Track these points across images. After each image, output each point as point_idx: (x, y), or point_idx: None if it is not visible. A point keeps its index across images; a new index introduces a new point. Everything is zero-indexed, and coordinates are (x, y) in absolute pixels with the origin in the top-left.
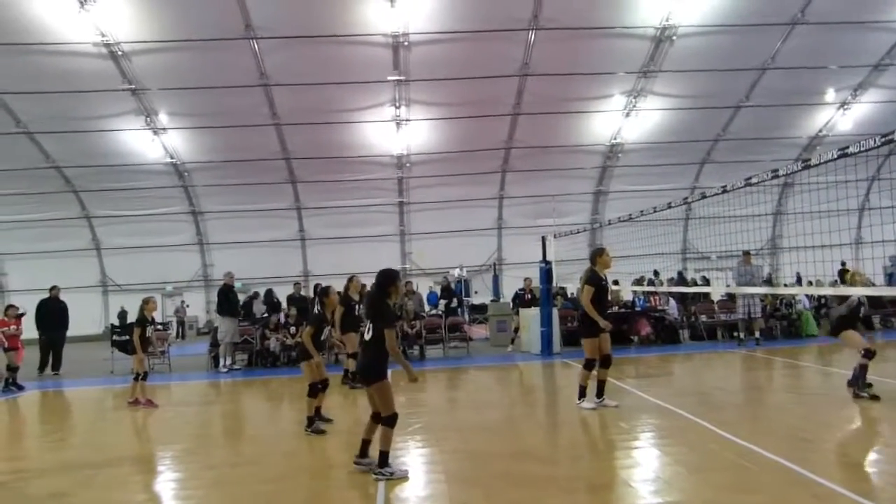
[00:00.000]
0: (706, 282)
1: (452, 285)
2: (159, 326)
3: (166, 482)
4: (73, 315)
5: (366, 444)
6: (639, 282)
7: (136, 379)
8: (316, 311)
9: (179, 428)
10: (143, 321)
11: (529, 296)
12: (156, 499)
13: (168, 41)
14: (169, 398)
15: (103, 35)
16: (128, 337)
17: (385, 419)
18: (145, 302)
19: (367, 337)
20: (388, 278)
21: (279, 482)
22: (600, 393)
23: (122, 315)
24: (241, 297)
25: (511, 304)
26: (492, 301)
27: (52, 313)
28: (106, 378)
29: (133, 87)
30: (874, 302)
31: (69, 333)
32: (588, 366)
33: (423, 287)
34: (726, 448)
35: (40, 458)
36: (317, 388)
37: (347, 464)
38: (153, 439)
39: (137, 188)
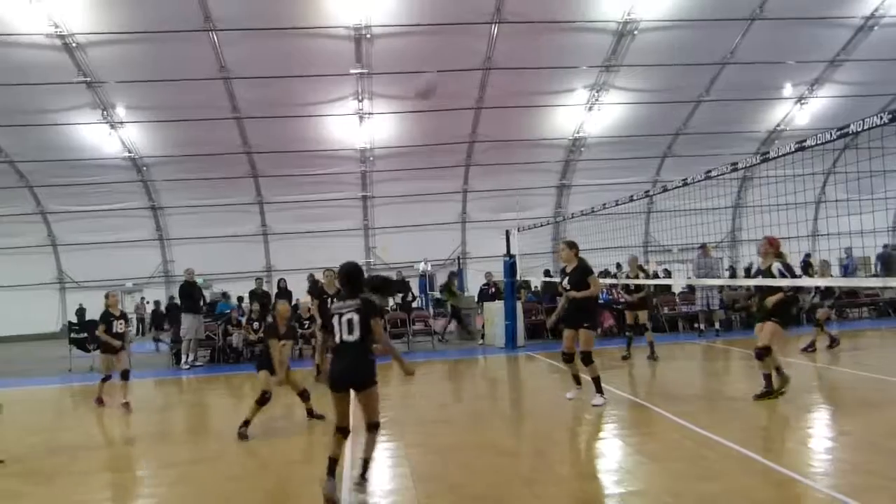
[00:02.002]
0: (667, 274)
1: (417, 279)
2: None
3: (126, 480)
4: (28, 313)
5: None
6: (603, 275)
7: (123, 378)
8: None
9: (140, 425)
10: (108, 316)
11: (493, 290)
12: (115, 497)
13: (124, 33)
14: (129, 396)
15: (56, 26)
16: (86, 335)
17: (376, 424)
18: (106, 297)
19: (352, 337)
20: (359, 271)
21: (241, 480)
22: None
23: (81, 312)
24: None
25: (476, 299)
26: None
27: None
28: (63, 376)
29: (88, 79)
30: (827, 293)
31: (24, 332)
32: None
33: None
34: (686, 437)
35: None
36: (265, 399)
37: (310, 460)
38: (113, 437)
39: (95, 183)
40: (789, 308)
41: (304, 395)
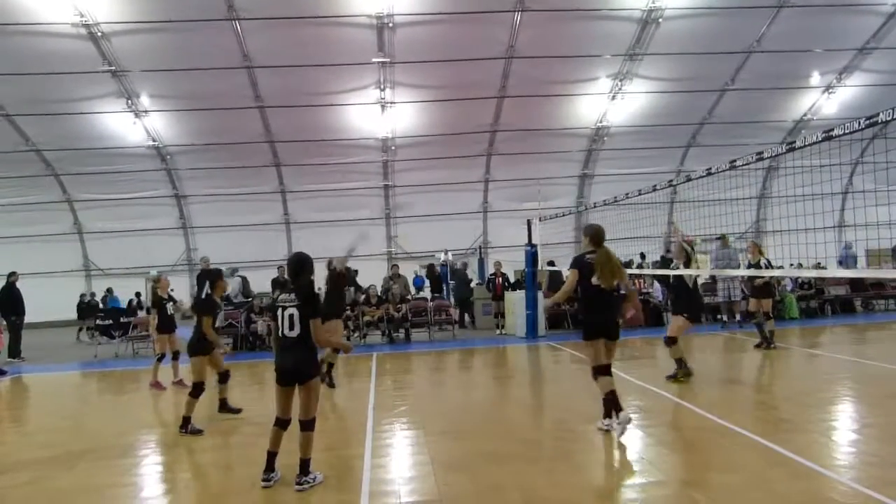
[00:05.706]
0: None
1: (438, 268)
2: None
3: (152, 466)
4: (54, 300)
5: (274, 456)
6: (627, 265)
7: (174, 358)
8: (204, 296)
9: (164, 412)
10: (160, 301)
11: (500, 279)
12: (141, 483)
13: (148, 22)
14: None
15: (82, 15)
16: (111, 321)
17: (308, 423)
18: (156, 281)
19: (294, 332)
20: (302, 263)
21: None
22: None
23: (103, 299)
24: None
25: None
26: (477, 284)
27: (20, 299)
28: (89, 362)
29: (113, 68)
30: (856, 285)
31: (50, 318)
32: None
33: (409, 271)
34: (708, 428)
35: (22, 441)
36: (202, 389)
37: (333, 448)
38: (136, 423)
39: (119, 171)
40: (696, 304)
41: (224, 377)
